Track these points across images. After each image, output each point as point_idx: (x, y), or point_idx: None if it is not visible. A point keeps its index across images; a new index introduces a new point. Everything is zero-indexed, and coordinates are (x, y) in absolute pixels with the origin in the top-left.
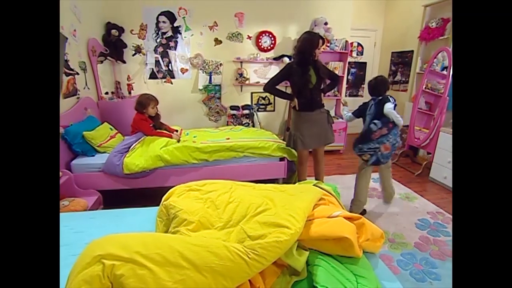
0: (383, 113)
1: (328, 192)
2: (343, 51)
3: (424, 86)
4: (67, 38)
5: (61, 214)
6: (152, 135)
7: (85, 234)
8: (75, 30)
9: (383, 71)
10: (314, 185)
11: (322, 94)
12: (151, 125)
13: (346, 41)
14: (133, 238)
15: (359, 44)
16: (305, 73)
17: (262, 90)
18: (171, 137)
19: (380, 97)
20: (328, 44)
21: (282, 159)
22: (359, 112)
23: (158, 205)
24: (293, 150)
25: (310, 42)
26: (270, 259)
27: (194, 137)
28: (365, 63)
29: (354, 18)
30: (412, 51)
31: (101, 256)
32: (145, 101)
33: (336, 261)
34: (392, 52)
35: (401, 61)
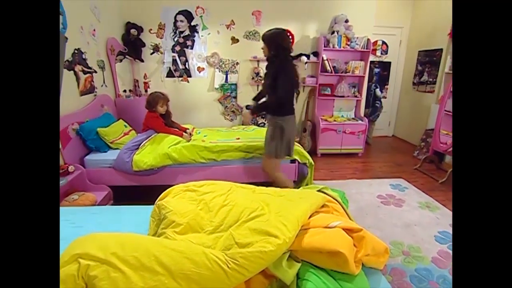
0: None
1: (334, 198)
2: (365, 49)
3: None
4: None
5: (63, 208)
6: (163, 132)
7: (83, 229)
8: (94, 30)
9: (409, 71)
10: (319, 190)
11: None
12: (162, 122)
13: (368, 39)
14: (113, 238)
15: (383, 43)
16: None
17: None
18: (181, 135)
19: None
20: (348, 43)
21: (293, 161)
22: None
23: None
24: (305, 153)
25: (287, 37)
26: (253, 270)
27: (204, 136)
28: (390, 62)
29: (378, 14)
30: (441, 49)
31: (78, 255)
32: (154, 100)
33: (329, 277)
34: (419, 51)
35: (429, 60)
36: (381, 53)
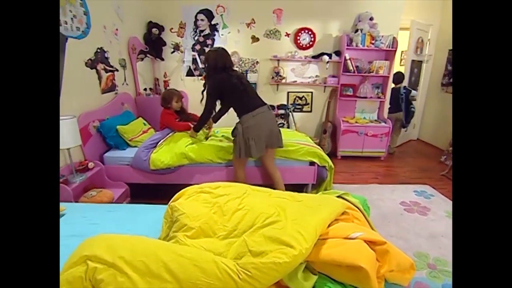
0: None
1: (354, 205)
2: (390, 48)
3: None
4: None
5: (80, 204)
6: (174, 127)
7: (99, 227)
8: (117, 29)
9: (438, 71)
10: (338, 196)
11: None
12: (176, 119)
13: (394, 38)
14: (122, 241)
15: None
16: None
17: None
18: (189, 128)
19: None
20: (373, 41)
21: (312, 163)
22: None
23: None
24: (325, 155)
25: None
26: (265, 283)
27: (222, 136)
28: (421, 62)
29: (405, 12)
30: None
31: (86, 257)
32: (169, 96)
33: None
34: (450, 50)
35: None
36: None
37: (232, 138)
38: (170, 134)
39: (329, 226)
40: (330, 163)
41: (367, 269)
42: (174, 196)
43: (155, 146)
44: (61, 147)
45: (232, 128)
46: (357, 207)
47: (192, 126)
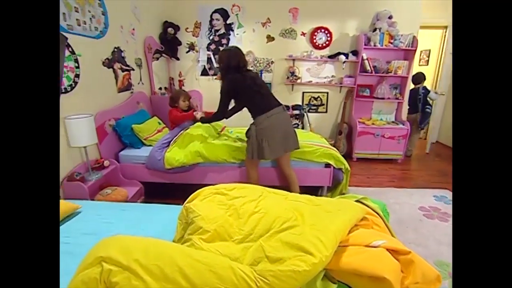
0: None
1: (374, 211)
2: (409, 48)
3: None
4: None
5: (96, 202)
6: (183, 119)
7: (113, 226)
8: (133, 29)
9: None
10: (357, 200)
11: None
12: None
13: (414, 37)
14: (138, 243)
15: None
16: None
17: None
18: (193, 117)
19: None
20: (391, 41)
21: (327, 165)
22: None
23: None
24: (341, 157)
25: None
26: None
27: (236, 136)
28: None
29: (424, 10)
30: None
31: (101, 258)
32: (176, 95)
33: None
34: None
35: None
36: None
37: (246, 139)
38: (181, 132)
39: (349, 232)
40: (347, 165)
41: (391, 280)
42: (189, 197)
43: (168, 145)
44: (78, 145)
45: (246, 128)
46: (376, 213)
47: (194, 112)
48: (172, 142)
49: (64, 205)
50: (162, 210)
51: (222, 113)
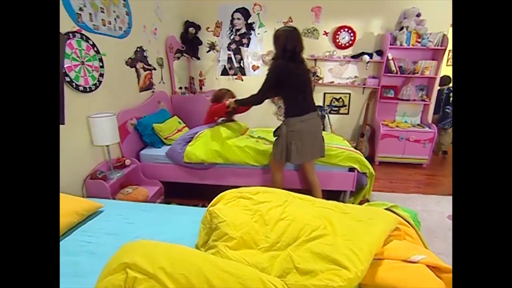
0: None
1: (405, 220)
2: (439, 47)
3: None
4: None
5: (117, 202)
6: (210, 113)
7: (135, 226)
8: (156, 29)
9: None
10: (386, 208)
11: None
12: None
13: (444, 35)
14: (163, 249)
15: None
16: None
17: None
18: (225, 108)
19: None
20: (419, 40)
21: (351, 169)
22: None
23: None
24: (366, 161)
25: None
26: None
27: (258, 137)
28: None
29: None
30: None
31: (126, 265)
32: (220, 95)
33: None
34: None
35: None
36: None
37: (274, 138)
38: (207, 129)
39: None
40: (371, 169)
41: None
42: (213, 201)
43: (190, 140)
44: (100, 143)
45: (269, 129)
46: (408, 222)
47: (227, 102)
48: (195, 137)
49: (87, 204)
50: (183, 212)
51: (261, 97)
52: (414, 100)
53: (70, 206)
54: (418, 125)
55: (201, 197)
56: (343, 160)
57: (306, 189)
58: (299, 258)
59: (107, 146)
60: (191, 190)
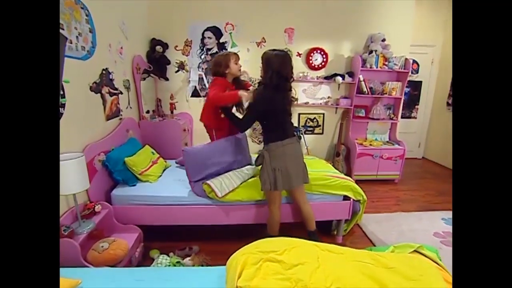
0: None
1: (433, 261)
2: (402, 70)
3: None
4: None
5: (97, 270)
6: (225, 101)
7: None
8: (121, 48)
9: (441, 91)
10: (414, 251)
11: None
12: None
13: (406, 59)
14: None
15: (414, 62)
16: None
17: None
18: (236, 97)
19: None
20: (386, 63)
21: (346, 198)
22: None
23: (204, 247)
24: (359, 189)
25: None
26: None
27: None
28: (421, 82)
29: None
30: None
31: None
32: (222, 59)
33: None
34: None
35: None
36: (412, 72)
37: (255, 166)
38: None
39: None
40: (365, 197)
41: None
42: (233, 264)
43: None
44: (67, 192)
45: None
46: (436, 262)
47: (240, 92)
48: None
49: (62, 284)
50: (187, 275)
51: (245, 125)
52: (383, 118)
53: None
54: (388, 142)
55: (185, 238)
56: (337, 189)
57: (298, 222)
58: None
59: (74, 194)
60: (172, 231)
